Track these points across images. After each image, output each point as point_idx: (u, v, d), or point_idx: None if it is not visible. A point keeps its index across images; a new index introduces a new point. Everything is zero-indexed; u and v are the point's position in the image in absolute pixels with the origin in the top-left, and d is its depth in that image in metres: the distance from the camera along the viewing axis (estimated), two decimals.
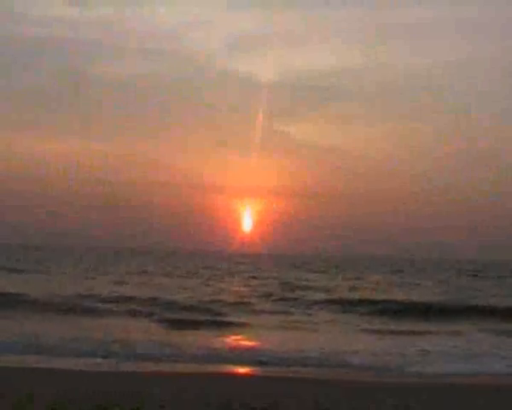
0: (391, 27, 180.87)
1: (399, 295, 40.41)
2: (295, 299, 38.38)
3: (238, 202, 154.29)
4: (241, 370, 17.83)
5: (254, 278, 60.53)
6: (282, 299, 38.69)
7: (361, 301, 35.77)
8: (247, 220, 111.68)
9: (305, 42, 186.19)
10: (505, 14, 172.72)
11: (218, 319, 28.30)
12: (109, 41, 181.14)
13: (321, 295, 40.70)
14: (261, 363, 18.00)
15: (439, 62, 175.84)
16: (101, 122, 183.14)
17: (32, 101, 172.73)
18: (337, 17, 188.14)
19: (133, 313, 28.65)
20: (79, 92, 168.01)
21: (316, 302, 36.34)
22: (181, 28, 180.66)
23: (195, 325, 26.02)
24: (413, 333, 25.45)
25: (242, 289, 45.83)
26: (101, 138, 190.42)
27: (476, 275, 76.95)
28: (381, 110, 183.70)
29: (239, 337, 23.42)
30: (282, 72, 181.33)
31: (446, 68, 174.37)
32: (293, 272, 72.90)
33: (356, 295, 39.87)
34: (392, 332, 25.70)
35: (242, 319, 27.93)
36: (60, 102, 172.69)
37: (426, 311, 32.07)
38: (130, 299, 33.64)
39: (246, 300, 37.03)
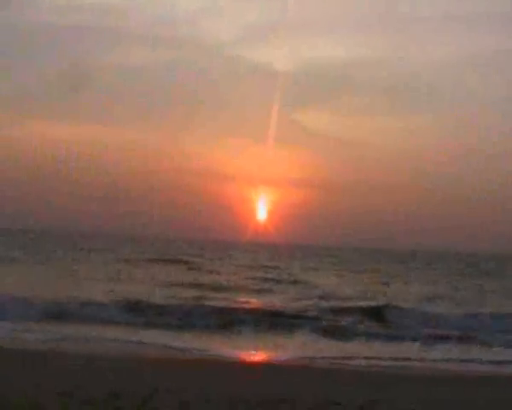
0: (411, 18, 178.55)
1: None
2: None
3: (252, 191, 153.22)
4: (248, 362, 17.94)
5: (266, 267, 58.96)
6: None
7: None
8: (262, 210, 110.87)
9: (322, 30, 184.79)
10: None
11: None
12: (121, 28, 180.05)
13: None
14: None
15: (457, 55, 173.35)
16: (111, 110, 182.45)
17: (38, 88, 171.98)
18: (355, 6, 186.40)
19: None
20: (89, 78, 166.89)
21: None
22: (194, 15, 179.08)
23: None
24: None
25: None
26: (111, 126, 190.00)
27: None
28: (399, 102, 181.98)
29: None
30: (297, 61, 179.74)
31: (465, 61, 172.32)
32: (297, 263, 71.69)
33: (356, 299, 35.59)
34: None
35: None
36: (66, 90, 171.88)
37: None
38: None
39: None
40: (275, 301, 32.33)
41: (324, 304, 30.77)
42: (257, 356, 19.37)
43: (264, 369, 16.69)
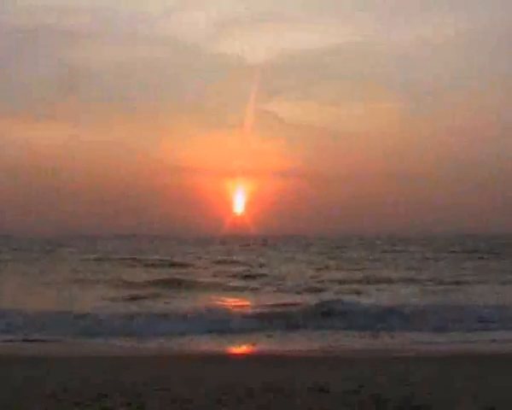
0: (382, 5, 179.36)
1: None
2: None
3: (228, 183, 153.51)
4: (236, 355, 18.30)
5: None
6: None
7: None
8: (239, 202, 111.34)
9: (295, 21, 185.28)
10: None
11: None
12: (96, 27, 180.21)
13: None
14: None
15: (432, 40, 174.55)
16: (88, 108, 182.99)
17: (23, 89, 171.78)
18: None
19: None
20: (67, 79, 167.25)
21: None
22: (168, 11, 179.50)
23: None
24: None
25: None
26: (88, 125, 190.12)
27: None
28: (373, 89, 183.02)
29: None
30: (270, 52, 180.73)
31: (440, 45, 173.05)
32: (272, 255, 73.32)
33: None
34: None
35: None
36: (50, 90, 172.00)
37: None
38: None
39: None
40: (244, 298, 32.53)
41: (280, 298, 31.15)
42: (241, 350, 19.68)
43: (250, 361, 16.92)
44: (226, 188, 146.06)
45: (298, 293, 34.29)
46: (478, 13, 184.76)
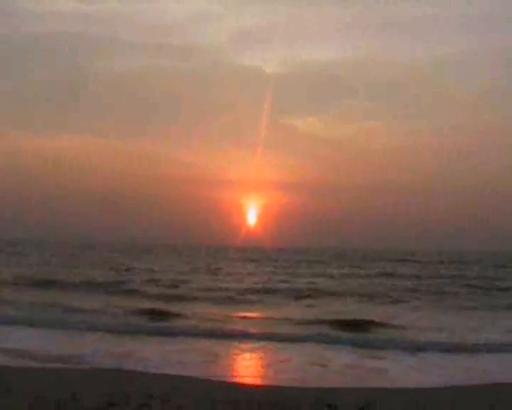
0: (398, 22, 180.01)
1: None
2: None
3: (244, 196, 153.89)
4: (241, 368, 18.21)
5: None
6: None
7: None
8: (252, 214, 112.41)
9: (312, 35, 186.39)
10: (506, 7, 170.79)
11: None
12: (115, 35, 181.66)
13: None
14: None
15: (445, 57, 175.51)
16: (108, 117, 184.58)
17: (38, 97, 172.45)
18: (344, 11, 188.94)
19: None
20: (85, 87, 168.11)
21: None
22: (187, 22, 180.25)
23: None
24: None
25: None
26: (107, 134, 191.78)
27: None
28: (388, 104, 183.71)
29: None
30: (288, 65, 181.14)
31: (453, 63, 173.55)
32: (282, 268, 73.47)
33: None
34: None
35: None
36: (66, 97, 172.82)
37: None
38: None
39: None
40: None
41: None
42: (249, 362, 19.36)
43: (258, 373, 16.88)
44: (241, 200, 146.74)
45: None
46: (492, 30, 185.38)
